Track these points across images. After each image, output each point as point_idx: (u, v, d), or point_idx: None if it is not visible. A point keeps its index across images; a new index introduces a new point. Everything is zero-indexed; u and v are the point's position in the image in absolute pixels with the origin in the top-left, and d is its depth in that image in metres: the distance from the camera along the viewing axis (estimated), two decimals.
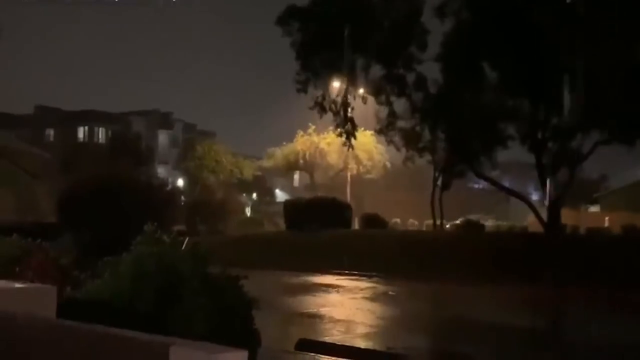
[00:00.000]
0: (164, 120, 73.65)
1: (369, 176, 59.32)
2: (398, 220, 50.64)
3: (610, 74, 24.17)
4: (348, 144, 33.85)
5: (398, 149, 35.09)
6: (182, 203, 44.06)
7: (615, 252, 23.54)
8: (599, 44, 24.61)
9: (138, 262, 6.76)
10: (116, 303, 6.33)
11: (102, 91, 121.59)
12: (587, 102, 24.73)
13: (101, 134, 67.75)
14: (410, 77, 30.34)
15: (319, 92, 31.39)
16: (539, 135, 27.73)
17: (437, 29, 28.98)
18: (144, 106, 76.78)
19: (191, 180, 61.99)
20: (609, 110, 24.99)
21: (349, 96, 32.25)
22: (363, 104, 33.14)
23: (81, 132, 67.89)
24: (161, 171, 63.76)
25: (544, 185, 29.17)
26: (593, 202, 58.59)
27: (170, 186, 38.21)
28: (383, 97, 31.24)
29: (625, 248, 24.74)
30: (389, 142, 34.51)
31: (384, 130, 33.08)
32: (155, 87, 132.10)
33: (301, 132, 59.92)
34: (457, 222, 38.70)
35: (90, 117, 66.76)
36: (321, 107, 31.84)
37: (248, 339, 6.53)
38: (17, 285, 6.13)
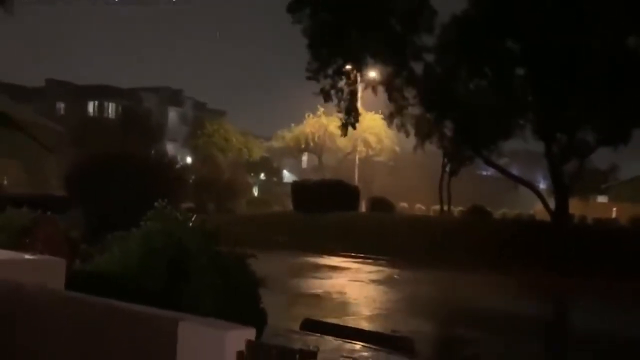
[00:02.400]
0: (175, 98, 73.62)
1: (377, 159, 59.25)
2: (405, 204, 50.62)
3: (611, 69, 24.11)
4: (343, 132, 33.90)
5: (408, 136, 35.08)
6: (191, 181, 44.12)
7: (621, 243, 23.50)
8: (605, 35, 24.58)
9: (147, 237, 6.81)
10: (125, 277, 6.38)
11: (114, 66, 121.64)
12: (589, 97, 24.68)
13: (111, 109, 67.81)
14: (419, 65, 30.24)
15: (327, 81, 31.28)
16: (549, 125, 27.62)
17: (445, 17, 28.85)
18: (154, 83, 76.82)
19: (200, 159, 62.01)
20: (605, 107, 24.99)
21: (358, 84, 32.17)
22: (374, 95, 33.07)
23: (91, 107, 67.97)
24: (170, 148, 63.80)
25: (552, 174, 29.09)
26: (601, 192, 58.42)
27: (179, 164, 38.32)
28: (392, 85, 31.14)
29: (632, 239, 24.70)
30: (399, 128, 34.51)
31: (393, 116, 33.05)
32: (167, 64, 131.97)
33: (310, 114, 59.88)
34: (464, 208, 38.62)
35: (101, 92, 66.79)
36: (327, 94, 31.80)
37: (255, 317, 6.58)
38: (27, 256, 6.16)
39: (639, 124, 26.51)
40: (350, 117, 32.43)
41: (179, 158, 49.88)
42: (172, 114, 73.27)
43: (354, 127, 33.54)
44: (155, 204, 7.26)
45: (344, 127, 33.12)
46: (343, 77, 31.54)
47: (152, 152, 33.50)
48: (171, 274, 6.44)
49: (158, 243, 6.70)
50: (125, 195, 16.39)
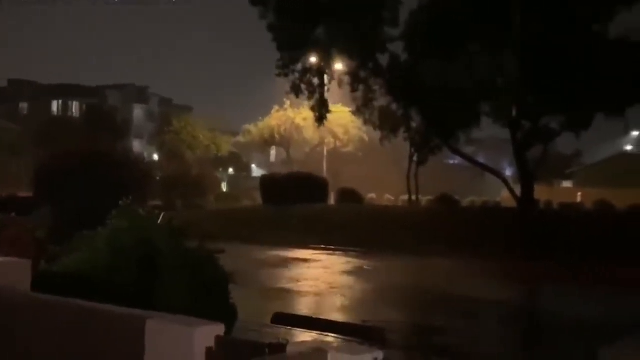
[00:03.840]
0: (140, 94, 72.98)
1: (346, 149, 59.40)
2: (374, 195, 50.84)
3: (574, 56, 24.50)
4: (318, 124, 34.01)
5: (375, 128, 35.24)
6: (158, 178, 43.79)
7: (587, 227, 23.88)
8: (569, 21, 24.96)
9: (115, 236, 6.78)
10: (93, 277, 6.35)
11: (78, 65, 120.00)
12: (552, 83, 24.99)
13: (76, 108, 66.97)
14: (384, 56, 30.35)
15: (296, 76, 31.27)
16: (514, 112, 27.94)
17: (412, 5, 28.99)
18: (119, 80, 76.03)
19: (167, 155, 61.56)
20: (569, 93, 25.35)
21: (325, 77, 32.19)
22: (339, 87, 33.12)
23: (56, 106, 67.05)
24: (137, 145, 63.26)
25: (518, 160, 29.46)
26: (566, 178, 59.33)
27: (145, 161, 38.01)
28: (357, 77, 31.23)
29: (597, 223, 25.13)
30: (366, 121, 34.68)
31: (360, 109, 33.20)
32: (131, 61, 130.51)
33: (277, 108, 59.75)
34: (432, 197, 38.93)
35: (66, 91, 65.92)
36: (297, 90, 31.80)
37: (224, 313, 6.59)
38: None
39: (602, 109, 26.94)
40: (321, 111, 32.47)
41: (145, 155, 49.50)
42: (138, 111, 72.62)
43: (325, 120, 33.58)
44: (121, 202, 7.22)
45: (318, 121, 33.21)
46: (311, 71, 31.55)
47: (118, 150, 33.16)
48: (140, 271, 6.42)
49: (126, 241, 6.67)
50: (91, 194, 16.23)
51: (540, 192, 34.42)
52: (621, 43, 25.78)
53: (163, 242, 6.70)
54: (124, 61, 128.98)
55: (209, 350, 3.69)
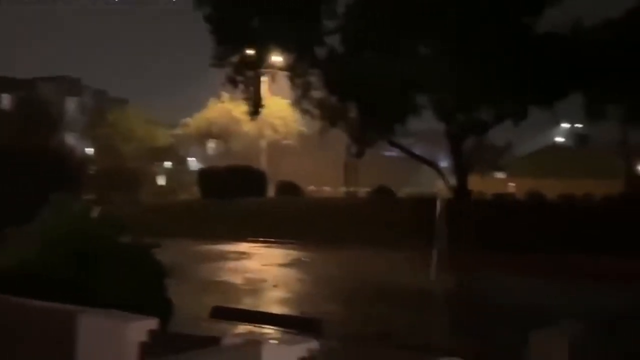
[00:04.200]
0: (73, 87, 71.17)
1: (285, 142, 59.35)
2: (313, 187, 51.04)
3: (503, 48, 25.10)
4: (252, 118, 33.89)
5: (313, 119, 35.35)
6: (93, 171, 42.90)
7: (518, 217, 24.55)
8: (496, 17, 25.57)
9: (47, 231, 6.64)
10: (25, 273, 6.21)
11: (9, 56, 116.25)
12: (484, 76, 25.54)
13: (5, 101, 64.91)
14: (321, 49, 30.44)
15: (232, 69, 31.09)
16: (448, 105, 28.44)
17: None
18: (52, 72, 74.02)
19: (102, 148, 60.27)
20: (502, 85, 25.97)
21: (261, 70, 32.09)
22: (276, 80, 33.06)
23: None
24: (70, 139, 61.75)
25: (452, 152, 30.05)
26: (499, 169, 60.77)
27: (79, 154, 37.22)
28: (295, 70, 31.28)
29: (528, 212, 25.85)
30: (304, 112, 34.75)
31: (298, 100, 33.23)
32: (64, 53, 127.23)
33: (214, 100, 59.22)
34: (370, 189, 39.33)
35: None
36: (233, 83, 31.61)
37: (161, 307, 6.54)
38: None
39: (531, 102, 27.69)
40: (254, 104, 32.35)
41: (79, 149, 48.42)
42: (71, 104, 70.84)
43: (258, 114, 33.45)
44: (54, 196, 7.08)
45: (251, 115, 33.09)
46: (247, 64, 31.39)
47: (50, 143, 32.35)
48: (73, 267, 6.31)
49: (59, 236, 6.54)
50: (22, 189, 15.81)
51: (474, 183, 35.21)
52: (550, 36, 26.54)
53: (97, 237, 6.61)
54: (57, 53, 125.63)
55: (142, 345, 3.68)
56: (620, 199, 31.31)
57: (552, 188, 35.17)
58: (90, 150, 61.11)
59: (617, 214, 24.06)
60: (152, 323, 3.79)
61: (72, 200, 7.42)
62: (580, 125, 63.86)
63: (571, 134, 65.37)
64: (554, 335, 6.53)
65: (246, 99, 32.37)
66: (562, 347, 6.39)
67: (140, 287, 6.69)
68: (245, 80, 31.63)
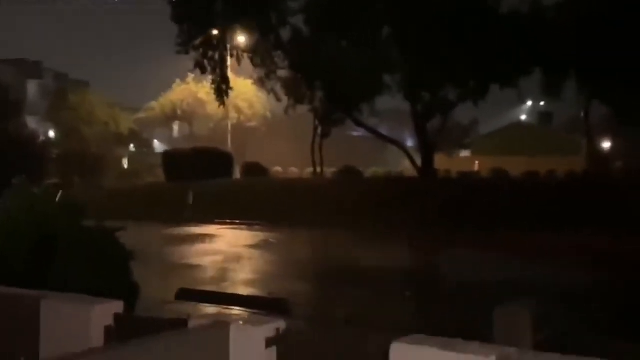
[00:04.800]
0: (33, 70, 69.74)
1: (250, 124, 59.06)
2: (279, 168, 50.94)
3: (465, 27, 25.23)
4: (221, 102, 33.47)
5: (279, 99, 35.24)
6: (56, 156, 42.23)
7: (482, 194, 24.82)
8: None
9: (8, 215, 6.51)
10: None
11: None
12: (447, 55, 25.65)
13: None
14: (285, 29, 30.31)
15: (198, 52, 30.75)
16: (413, 84, 28.54)
17: None
18: (10, 55, 72.40)
19: (64, 132, 59.27)
20: (465, 64, 26.11)
21: (226, 52, 31.80)
22: (241, 61, 32.76)
23: None
24: (31, 123, 60.61)
25: (418, 131, 30.21)
26: (464, 147, 61.28)
27: (41, 138, 36.59)
28: (259, 51, 31.09)
29: (492, 190, 26.15)
30: (269, 91, 34.60)
31: (263, 80, 33.07)
32: (23, 36, 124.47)
33: (179, 82, 58.61)
34: (337, 169, 39.36)
35: None
36: (201, 66, 31.30)
37: (126, 290, 6.47)
38: None
39: (495, 80, 27.91)
40: (221, 87, 32.07)
41: (41, 133, 47.59)
42: (32, 87, 69.45)
43: (226, 96, 33.17)
44: (13, 180, 6.94)
45: (219, 97, 32.77)
46: (211, 46, 31.07)
47: (11, 127, 31.75)
48: (35, 251, 6.20)
49: (20, 221, 6.42)
50: None
51: (440, 162, 35.49)
52: (512, 15, 26.74)
53: (59, 221, 6.50)
54: (15, 35, 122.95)
55: (107, 329, 3.63)
56: (583, 175, 31.82)
57: (516, 165, 35.58)
58: (52, 134, 60.12)
59: (580, 190, 24.45)
60: (117, 306, 3.74)
61: (34, 185, 7.29)
62: (543, 104, 64.78)
63: (535, 112, 66.14)
64: (516, 312, 6.63)
65: (213, 82, 32.08)
66: (524, 322, 6.50)
67: (106, 270, 6.61)
68: (211, 62, 31.33)
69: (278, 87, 33.88)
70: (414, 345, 2.71)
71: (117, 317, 3.68)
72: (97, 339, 3.57)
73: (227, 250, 18.09)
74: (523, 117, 67.05)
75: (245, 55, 32.29)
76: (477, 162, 48.72)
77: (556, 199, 22.95)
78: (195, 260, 15.84)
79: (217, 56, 31.39)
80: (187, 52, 30.71)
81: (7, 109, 51.14)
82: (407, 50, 27.07)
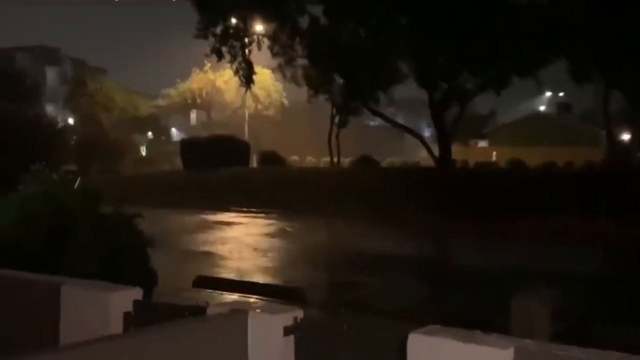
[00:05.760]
0: (51, 56, 70.14)
1: (266, 113, 59.12)
2: (296, 157, 50.98)
3: (485, 16, 25.00)
4: (246, 87, 33.56)
5: (300, 86, 35.12)
6: (73, 142, 42.49)
7: (500, 185, 24.69)
8: None
9: (25, 202, 6.56)
10: (2, 243, 6.14)
11: None
12: (466, 44, 25.44)
13: None
14: (304, 17, 30.26)
15: (217, 38, 30.80)
16: (430, 73, 28.38)
17: None
18: (28, 42, 72.75)
19: (82, 119, 59.62)
20: (485, 53, 25.88)
21: (246, 39, 31.77)
22: (260, 49, 32.77)
23: None
24: (50, 109, 61.03)
25: (435, 121, 30.06)
26: (482, 137, 60.97)
27: (59, 125, 36.81)
28: (278, 39, 31.05)
29: (509, 181, 26.01)
30: (289, 79, 34.52)
31: (282, 67, 33.02)
32: (41, 22, 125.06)
33: (197, 70, 58.74)
34: (354, 159, 39.31)
35: None
36: (218, 52, 31.35)
37: (144, 277, 6.52)
38: None
39: (514, 70, 27.68)
40: (247, 73, 32.11)
41: (59, 119, 47.90)
42: (50, 74, 69.89)
43: (252, 83, 33.20)
44: (32, 167, 6.99)
45: (245, 84, 32.85)
46: (231, 34, 31.10)
47: (29, 114, 31.98)
48: (51, 237, 6.25)
49: (37, 207, 6.47)
50: (0, 159, 15.64)
51: (457, 152, 35.34)
52: (531, 4, 26.47)
53: (76, 208, 6.54)
54: (34, 22, 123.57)
55: (126, 315, 3.65)
56: (601, 166, 31.58)
57: (534, 156, 35.37)
58: (70, 121, 60.49)
59: (598, 181, 24.26)
60: (136, 293, 3.76)
61: (51, 171, 7.33)
62: (562, 94, 64.21)
63: (554, 102, 65.59)
64: (534, 301, 6.61)
65: (236, 70, 32.14)
66: (542, 311, 6.48)
67: (122, 257, 6.66)
68: (231, 50, 31.35)
69: (298, 75, 33.79)
70: (432, 336, 2.71)
71: (136, 303, 3.70)
72: (116, 325, 3.59)
73: (243, 238, 18.15)
74: (541, 108, 66.56)
75: (265, 42, 32.25)
76: (494, 152, 48.47)
77: (573, 190, 22.79)
78: (211, 248, 15.90)
79: (237, 43, 31.41)
80: (206, 37, 30.75)
81: (25, 95, 51.56)
82: (425, 39, 26.88)
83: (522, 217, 19.14)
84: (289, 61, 32.26)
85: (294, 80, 34.13)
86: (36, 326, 3.91)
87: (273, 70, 38.49)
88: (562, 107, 62.85)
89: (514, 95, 45.16)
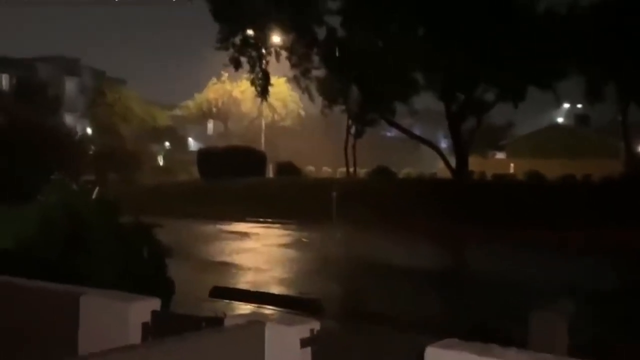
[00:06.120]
0: (71, 67, 70.75)
1: (283, 124, 59.24)
2: (312, 168, 50.97)
3: (504, 28, 24.94)
4: (262, 98, 33.68)
5: (312, 99, 35.20)
6: (92, 152, 42.80)
7: (518, 196, 24.56)
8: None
9: (44, 211, 6.62)
10: (21, 252, 6.19)
11: (6, 36, 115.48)
12: (484, 55, 25.36)
13: (4, 81, 64.55)
14: (321, 28, 30.35)
15: (236, 49, 30.98)
16: (448, 84, 28.33)
17: None
18: (49, 52, 73.48)
19: (101, 129, 60.03)
20: (502, 66, 25.80)
21: (263, 49, 31.90)
22: (276, 61, 32.90)
23: None
24: (69, 119, 61.55)
25: (452, 132, 29.97)
26: (499, 149, 60.64)
27: (78, 135, 37.14)
28: (295, 50, 31.15)
29: (527, 192, 25.86)
30: (304, 90, 34.59)
31: (298, 78, 33.09)
32: (61, 33, 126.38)
33: (214, 80, 59.00)
34: (370, 169, 39.24)
35: None
36: (237, 62, 31.51)
37: (161, 287, 6.54)
38: None
39: (532, 82, 27.56)
40: (263, 84, 32.23)
41: (78, 129, 48.30)
42: (70, 84, 70.46)
43: (268, 93, 33.32)
44: (52, 176, 7.06)
45: (261, 94, 32.99)
46: (250, 44, 31.27)
47: (49, 124, 32.27)
48: (69, 246, 6.29)
49: (56, 216, 6.52)
50: (21, 169, 15.78)
51: (474, 164, 35.17)
52: (549, 16, 26.39)
53: (94, 217, 6.58)
54: (54, 33, 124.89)
55: (145, 325, 3.66)
56: (620, 179, 31.28)
57: (552, 168, 35.11)
58: (89, 131, 60.96)
59: (616, 194, 24.06)
60: (155, 303, 3.77)
61: (71, 181, 7.40)
62: (580, 106, 63.79)
63: (572, 114, 65.18)
64: (554, 316, 6.55)
65: (252, 80, 32.29)
66: (562, 327, 6.42)
67: (140, 267, 6.69)
68: (250, 60, 31.51)
69: (313, 87, 33.85)
70: (449, 350, 2.69)
71: (154, 314, 3.72)
72: (134, 335, 3.61)
73: (259, 248, 18.16)
74: (560, 120, 66.15)
75: (282, 52, 32.36)
76: (512, 164, 48.20)
77: (590, 202, 22.62)
78: (227, 258, 15.92)
79: (255, 53, 31.56)
80: (226, 49, 30.95)
81: (46, 105, 52.06)
82: (443, 50, 26.85)
83: (543, 229, 19.04)
84: (305, 72, 32.34)
85: (308, 92, 34.22)
86: (55, 335, 3.93)
87: (288, 80, 38.62)
88: (580, 119, 62.43)
89: (532, 107, 44.94)
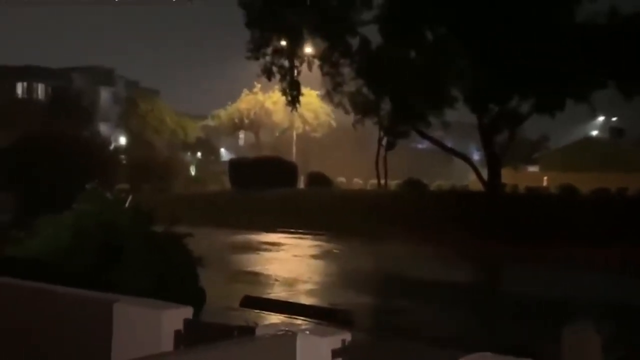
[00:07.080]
0: (106, 77, 71.84)
1: (314, 135, 59.41)
2: (343, 179, 50.96)
3: (540, 39, 24.67)
4: (292, 108, 33.76)
5: (347, 112, 35.15)
6: (125, 161, 43.35)
7: (551, 210, 24.25)
8: (531, 7, 25.18)
9: (79, 219, 6.70)
10: (56, 261, 6.27)
11: (43, 46, 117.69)
12: (519, 67, 25.10)
13: (41, 90, 65.77)
14: (355, 39, 30.38)
15: (267, 59, 31.19)
16: (481, 96, 28.11)
17: None
18: (84, 62, 74.72)
19: (134, 139, 60.84)
20: (537, 78, 25.51)
21: (295, 60, 32.02)
22: (310, 71, 32.99)
23: (20, 88, 65.76)
24: (103, 129, 62.46)
25: (485, 145, 29.73)
26: (533, 162, 60.06)
27: (112, 144, 37.65)
28: (327, 60, 31.22)
29: (561, 206, 25.53)
30: (337, 105, 34.62)
31: (330, 93, 33.17)
32: (96, 43, 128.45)
33: (246, 91, 59.45)
34: (401, 181, 39.10)
35: (30, 73, 64.62)
36: (269, 72, 31.68)
37: (193, 296, 6.58)
38: None
39: (568, 93, 27.19)
40: (293, 94, 32.34)
41: (112, 139, 48.99)
42: (104, 94, 71.53)
43: (298, 103, 33.38)
44: (87, 185, 7.15)
45: (291, 104, 33.09)
46: (282, 53, 31.43)
47: (84, 134, 32.75)
48: (103, 255, 6.36)
49: (89, 225, 6.60)
50: (56, 178, 16.02)
51: (507, 176, 34.84)
52: (587, 27, 26.06)
53: (128, 226, 6.65)
54: (89, 43, 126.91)
55: (177, 334, 3.67)
56: None
57: (586, 182, 34.62)
58: (123, 141, 61.80)
59: None
60: (187, 312, 3.77)
61: (105, 190, 7.48)
62: (615, 119, 62.91)
63: (606, 127, 64.32)
64: (587, 333, 6.43)
65: (283, 90, 32.40)
66: (595, 344, 6.29)
67: (172, 276, 6.74)
68: (281, 70, 31.64)
69: (345, 100, 33.84)
70: None
71: (186, 322, 3.73)
72: (166, 343, 3.61)
73: (290, 259, 18.18)
74: (594, 133, 65.32)
75: (315, 63, 32.44)
76: (545, 177, 47.68)
77: (625, 217, 22.24)
78: (258, 268, 15.97)
79: (287, 63, 31.70)
80: (257, 58, 31.13)
81: (81, 114, 52.90)
82: (477, 62, 26.68)
83: (577, 244, 18.77)
84: (336, 86, 32.38)
85: (341, 105, 34.23)
86: (89, 343, 3.96)
87: (319, 95, 38.71)
88: (614, 132, 61.59)
89: (566, 120, 44.45)
